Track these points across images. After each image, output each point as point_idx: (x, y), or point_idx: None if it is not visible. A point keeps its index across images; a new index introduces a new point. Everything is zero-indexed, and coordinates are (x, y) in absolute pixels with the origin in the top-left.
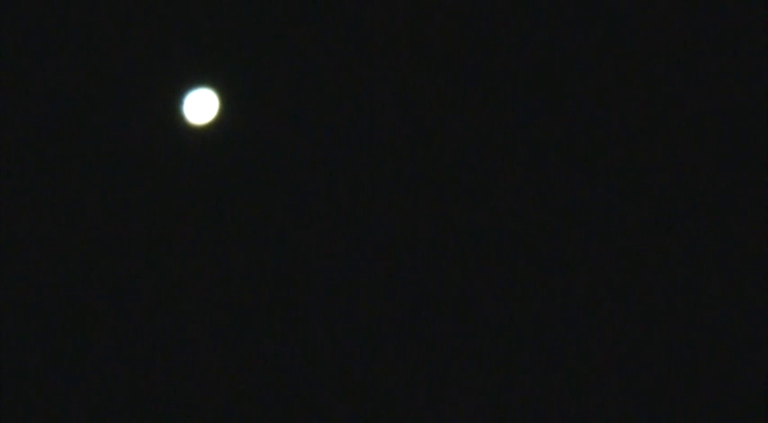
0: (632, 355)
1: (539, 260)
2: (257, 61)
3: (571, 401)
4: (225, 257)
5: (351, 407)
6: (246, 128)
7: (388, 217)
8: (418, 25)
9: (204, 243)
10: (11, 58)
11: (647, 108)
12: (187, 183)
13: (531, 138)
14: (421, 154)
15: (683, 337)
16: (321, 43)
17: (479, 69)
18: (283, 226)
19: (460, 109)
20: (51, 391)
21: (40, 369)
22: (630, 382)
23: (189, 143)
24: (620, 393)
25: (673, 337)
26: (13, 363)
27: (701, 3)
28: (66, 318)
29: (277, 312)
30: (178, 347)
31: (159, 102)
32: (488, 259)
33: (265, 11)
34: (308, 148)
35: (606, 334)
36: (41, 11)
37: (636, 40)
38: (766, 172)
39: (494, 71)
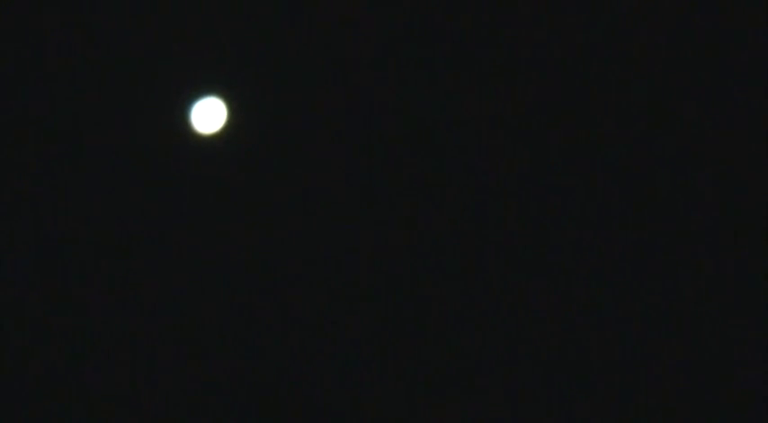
0: (632, 355)
1: (538, 260)
2: (265, 70)
3: (571, 401)
4: (233, 265)
5: (351, 407)
6: (254, 137)
7: (396, 225)
8: (423, 33)
9: (212, 251)
10: (18, 64)
11: (646, 108)
12: (195, 191)
13: (530, 138)
14: (429, 161)
15: (682, 338)
16: (329, 52)
17: (491, 73)
18: (291, 234)
19: (475, 118)
20: (51, 391)
21: (39, 369)
22: (630, 383)
23: (197, 152)
24: (620, 393)
25: (673, 337)
26: (12, 363)
27: (702, 3)
28: (74, 324)
29: (283, 318)
30: (185, 353)
31: (167, 111)
32: (488, 259)
33: (273, 20)
34: (315, 156)
35: (606, 334)
36: (50, 20)
37: (636, 41)
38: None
39: (494, 71)
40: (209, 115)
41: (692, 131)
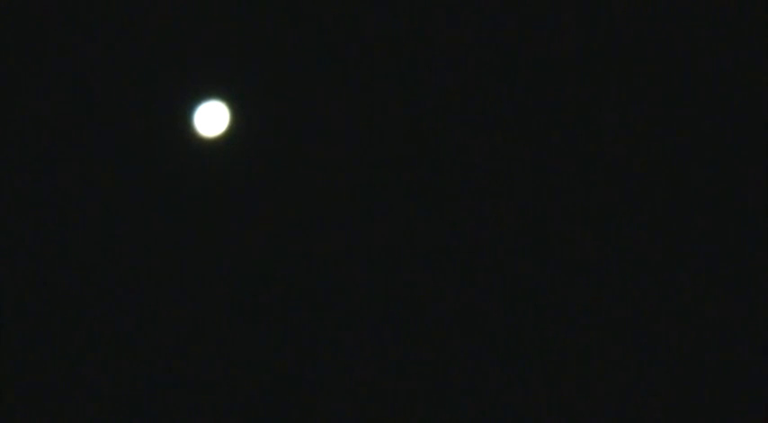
0: (632, 355)
1: (538, 260)
2: (267, 73)
3: (571, 402)
4: (236, 269)
5: (350, 407)
6: (257, 140)
7: (401, 228)
8: (425, 35)
9: (215, 255)
10: (21, 67)
11: (646, 108)
12: (198, 195)
13: (530, 138)
14: (434, 164)
15: (682, 338)
16: (332, 55)
17: (498, 75)
18: (294, 238)
19: (477, 119)
20: (51, 391)
21: (39, 369)
22: (630, 383)
23: (200, 155)
24: (620, 393)
25: (673, 337)
26: (12, 363)
27: (702, 3)
28: (75, 327)
29: (285, 321)
30: (187, 356)
31: (170, 114)
32: (489, 260)
33: (276, 23)
34: (318, 159)
35: (606, 334)
36: (53, 23)
37: (636, 40)
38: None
39: (495, 71)
40: (211, 118)
41: (692, 131)
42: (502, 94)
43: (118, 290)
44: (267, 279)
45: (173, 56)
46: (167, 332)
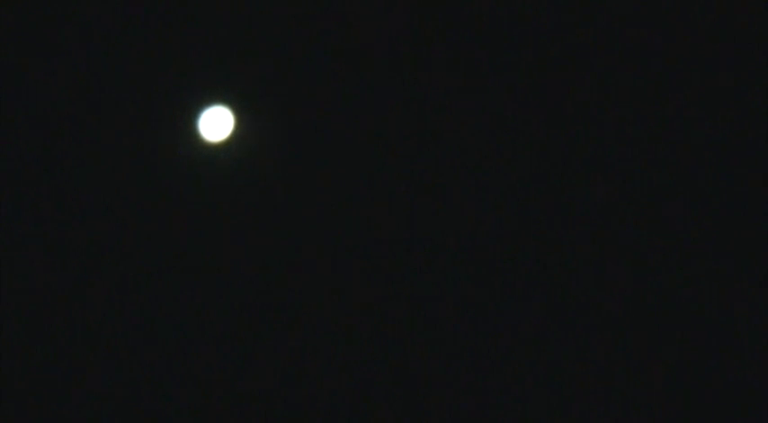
0: (632, 355)
1: (538, 260)
2: (272, 78)
3: (571, 402)
4: (240, 273)
5: (350, 407)
6: (262, 145)
7: (403, 231)
8: (432, 39)
9: (219, 259)
10: (26, 73)
11: (646, 108)
12: (203, 200)
13: (530, 138)
14: (437, 168)
15: (683, 338)
16: (336, 60)
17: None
18: (298, 242)
19: (482, 121)
20: (51, 391)
21: (39, 369)
22: (630, 383)
23: (205, 160)
24: (621, 394)
25: (673, 337)
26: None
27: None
28: (78, 332)
29: (287, 325)
30: (190, 360)
31: (175, 119)
32: (489, 260)
33: (281, 28)
34: (323, 164)
35: (606, 334)
36: (58, 28)
37: (636, 40)
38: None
39: (497, 71)
40: (216, 123)
41: (692, 132)
42: (502, 94)
43: (122, 293)
44: (271, 282)
45: (178, 61)
46: (169, 334)
